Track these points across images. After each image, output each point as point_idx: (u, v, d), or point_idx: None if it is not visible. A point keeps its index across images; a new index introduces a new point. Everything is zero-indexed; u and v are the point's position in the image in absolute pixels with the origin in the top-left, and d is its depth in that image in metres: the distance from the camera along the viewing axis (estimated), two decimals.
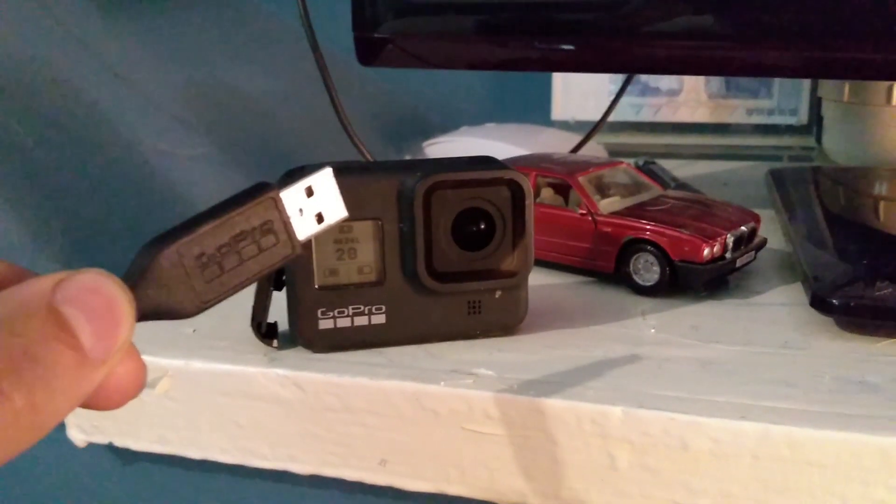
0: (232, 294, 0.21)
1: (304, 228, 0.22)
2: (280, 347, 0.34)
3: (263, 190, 0.21)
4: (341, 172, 0.32)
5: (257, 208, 0.21)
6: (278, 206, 0.21)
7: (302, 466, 0.33)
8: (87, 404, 0.19)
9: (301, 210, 0.22)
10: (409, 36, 0.47)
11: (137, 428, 0.35)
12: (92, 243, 0.43)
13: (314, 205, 0.22)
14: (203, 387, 0.33)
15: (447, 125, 0.73)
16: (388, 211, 0.32)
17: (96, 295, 0.18)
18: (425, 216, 0.32)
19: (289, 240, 0.22)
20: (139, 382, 0.20)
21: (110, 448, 0.36)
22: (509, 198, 0.33)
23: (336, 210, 0.23)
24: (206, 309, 0.21)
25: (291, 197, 0.22)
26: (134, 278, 0.20)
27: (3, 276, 0.19)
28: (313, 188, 0.22)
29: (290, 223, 0.22)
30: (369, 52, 0.47)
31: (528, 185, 0.33)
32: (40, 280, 0.17)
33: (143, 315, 0.19)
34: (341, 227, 0.32)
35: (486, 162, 0.35)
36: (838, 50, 0.38)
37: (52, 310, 0.17)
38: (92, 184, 0.46)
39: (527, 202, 0.33)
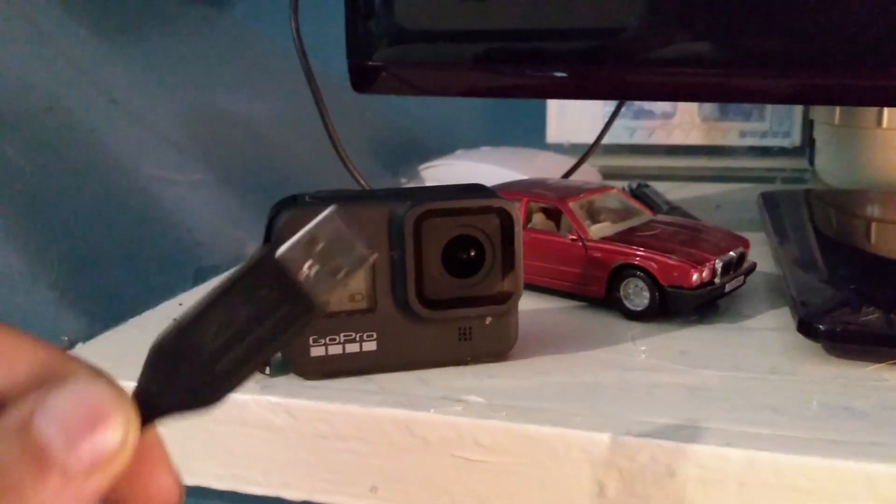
0: (251, 374, 0.19)
1: (323, 289, 0.19)
2: (272, 375, 0.34)
3: (264, 255, 0.19)
4: (333, 202, 0.33)
5: (265, 285, 0.19)
6: (286, 275, 0.19)
7: (294, 493, 0.33)
8: None
9: (311, 265, 0.19)
10: (403, 64, 0.48)
11: None
12: (89, 270, 0.44)
13: (327, 255, 0.19)
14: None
15: (443, 149, 0.74)
16: (379, 239, 0.33)
17: (75, 401, 0.17)
18: (416, 244, 0.33)
19: (306, 309, 0.19)
20: (174, 497, 0.19)
21: None
22: (499, 225, 0.34)
23: (355, 255, 0.20)
24: (229, 392, 0.19)
25: (298, 258, 0.19)
26: (142, 378, 0.19)
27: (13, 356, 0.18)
28: (318, 237, 0.19)
29: (303, 290, 0.19)
30: (363, 79, 0.48)
31: (517, 212, 0.34)
32: (26, 399, 0.17)
33: (160, 414, 0.18)
34: None
35: (476, 190, 0.35)
36: (828, 76, 0.39)
37: (23, 429, 0.16)
38: (89, 210, 0.47)
39: (516, 230, 0.34)
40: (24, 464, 0.16)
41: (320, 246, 0.19)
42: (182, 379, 0.19)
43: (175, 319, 0.19)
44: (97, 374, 0.18)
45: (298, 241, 0.19)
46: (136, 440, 0.18)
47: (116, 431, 0.17)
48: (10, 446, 0.16)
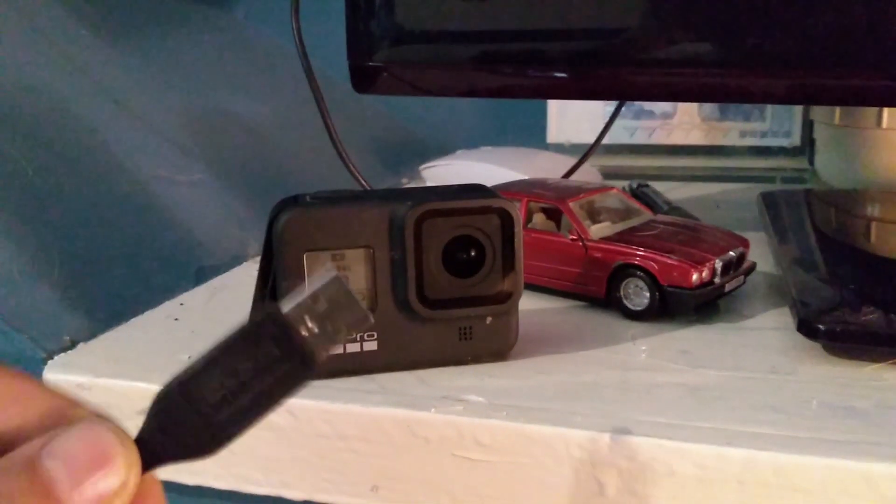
0: (251, 426, 0.20)
1: (323, 349, 0.20)
2: None
3: (267, 314, 0.20)
4: (334, 202, 0.33)
5: (267, 343, 0.20)
6: (288, 334, 0.20)
7: (295, 492, 0.33)
8: None
9: (316, 326, 0.20)
10: (404, 64, 0.48)
11: None
12: (91, 269, 0.44)
13: (329, 316, 0.20)
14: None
15: (443, 149, 0.74)
16: (379, 239, 0.33)
17: (82, 442, 0.18)
18: (416, 244, 0.33)
19: (305, 368, 0.20)
20: None
21: None
22: (499, 225, 0.34)
23: (356, 318, 0.20)
24: (227, 444, 0.20)
25: (301, 317, 0.20)
26: (145, 426, 0.19)
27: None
28: (319, 296, 0.20)
29: (304, 349, 0.20)
30: (364, 79, 0.48)
31: (517, 213, 0.34)
32: (35, 440, 0.18)
33: (159, 461, 0.19)
34: (333, 255, 0.33)
35: (477, 190, 0.35)
36: (828, 77, 0.39)
37: (30, 464, 0.17)
38: (91, 210, 0.47)
39: (516, 230, 0.34)
40: (31, 495, 0.17)
41: (322, 307, 0.20)
42: (182, 429, 0.20)
43: (178, 373, 0.20)
44: (103, 419, 0.19)
45: (303, 301, 0.20)
46: (136, 483, 0.18)
47: (119, 473, 0.18)
48: (18, 479, 0.17)
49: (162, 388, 0.20)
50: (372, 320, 0.21)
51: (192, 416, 0.20)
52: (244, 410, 0.20)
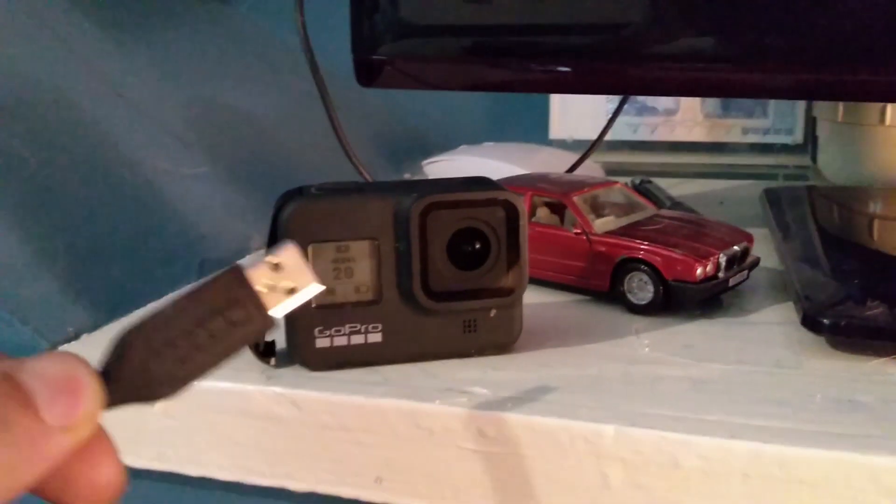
0: (207, 372, 0.21)
1: (276, 303, 0.22)
2: (278, 366, 0.34)
3: (230, 270, 0.22)
4: (339, 193, 0.33)
5: (223, 286, 0.21)
6: (244, 282, 0.22)
7: (298, 484, 0.34)
8: (55, 496, 0.19)
9: (271, 286, 0.22)
10: (408, 58, 0.48)
11: (137, 445, 0.35)
12: (94, 261, 0.44)
13: (284, 279, 0.22)
14: (201, 405, 0.34)
15: (446, 144, 0.74)
16: (384, 231, 0.33)
17: (55, 365, 0.18)
18: (421, 236, 0.33)
19: (259, 314, 0.22)
20: (117, 488, 0.20)
21: None
22: (504, 218, 0.34)
23: (307, 283, 0.23)
24: (182, 389, 0.21)
25: (259, 274, 0.22)
26: (106, 365, 0.20)
27: None
28: (280, 264, 0.22)
29: (258, 298, 0.22)
30: (368, 73, 0.48)
31: (522, 205, 0.34)
32: (6, 361, 0.18)
33: (118, 400, 0.20)
34: (338, 246, 0.33)
35: (482, 183, 0.35)
36: (832, 72, 0.39)
37: (7, 377, 0.18)
38: (94, 203, 0.47)
39: (521, 222, 0.34)
40: (10, 400, 0.17)
41: (280, 272, 0.22)
42: (141, 371, 0.20)
43: (139, 317, 0.21)
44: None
45: (261, 263, 0.22)
46: (99, 415, 0.19)
47: (88, 400, 0.18)
48: None
49: (123, 329, 0.20)
50: (320, 287, 0.23)
51: (152, 360, 0.20)
52: (201, 357, 0.21)
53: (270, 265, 0.22)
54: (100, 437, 0.20)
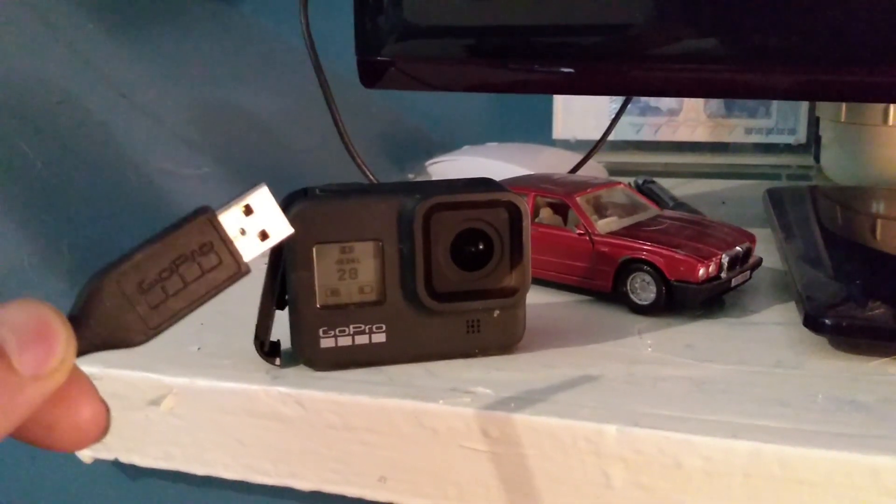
0: (180, 318, 0.21)
1: (248, 248, 0.22)
2: (282, 366, 0.34)
3: (200, 212, 0.21)
4: (343, 195, 0.34)
5: (194, 230, 0.21)
6: (216, 226, 0.21)
7: (303, 483, 0.34)
8: (42, 441, 0.19)
9: (243, 230, 0.22)
10: (411, 59, 0.48)
11: (143, 444, 0.36)
12: (99, 262, 0.44)
13: (256, 224, 0.22)
14: (207, 404, 0.34)
15: (450, 144, 0.74)
16: (388, 232, 0.33)
17: (25, 313, 0.18)
18: (425, 237, 0.33)
19: (233, 260, 0.21)
20: (101, 425, 0.20)
21: (116, 464, 0.37)
22: (507, 219, 0.34)
23: (279, 227, 0.22)
24: (155, 335, 0.21)
25: (230, 217, 0.22)
26: (76, 310, 0.20)
27: None
28: (252, 206, 0.22)
29: (231, 243, 0.21)
30: (372, 74, 0.48)
31: (525, 206, 0.34)
32: None
33: (90, 346, 0.20)
34: (342, 247, 0.33)
35: (485, 184, 0.35)
36: (835, 73, 0.39)
37: None
38: (99, 203, 0.47)
39: (524, 223, 0.34)
40: None
41: (253, 216, 0.22)
42: (113, 318, 0.20)
43: (111, 261, 0.21)
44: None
45: (234, 208, 0.22)
46: (72, 361, 0.19)
47: (60, 347, 0.18)
48: None
49: (94, 274, 0.20)
50: (291, 231, 0.22)
51: (123, 306, 0.20)
52: (174, 303, 0.21)
53: (242, 208, 0.22)
54: (77, 379, 0.20)
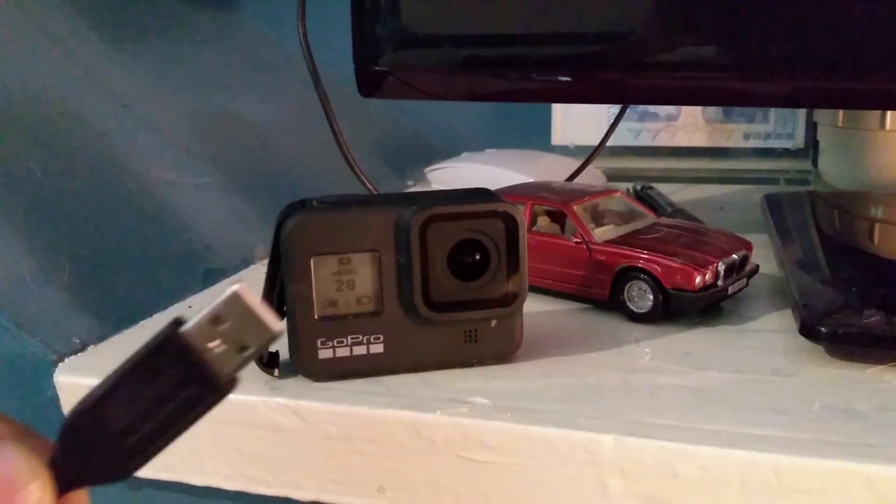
0: (163, 448, 0.20)
1: (228, 364, 0.20)
2: (281, 376, 0.35)
3: (169, 335, 0.19)
4: (341, 206, 0.34)
5: (170, 358, 0.19)
6: (188, 350, 0.19)
7: (302, 493, 0.34)
8: None
9: (220, 340, 0.19)
10: (409, 68, 0.48)
11: None
12: (100, 273, 0.44)
13: (233, 332, 0.19)
14: (206, 415, 0.34)
15: (449, 151, 0.74)
16: (385, 243, 0.33)
17: None
18: (422, 248, 0.33)
19: (210, 386, 0.20)
20: None
21: None
22: (504, 229, 0.34)
23: (259, 330, 0.19)
24: (138, 469, 0.20)
25: (200, 332, 0.19)
26: (57, 451, 0.20)
27: None
28: (222, 317, 0.19)
29: (207, 366, 0.19)
30: (370, 84, 0.49)
31: (521, 217, 0.34)
32: None
33: (73, 482, 0.19)
34: (340, 259, 0.33)
35: (482, 194, 0.36)
36: (832, 80, 0.39)
37: None
38: (100, 214, 0.47)
39: (520, 233, 0.34)
40: None
41: (226, 325, 0.19)
42: (94, 454, 0.20)
43: (86, 395, 0.20)
44: (21, 440, 0.19)
45: (201, 321, 0.19)
46: None
47: (30, 501, 0.18)
48: None
49: (72, 410, 0.20)
50: (280, 330, 0.20)
51: (102, 441, 0.19)
52: (154, 434, 0.20)
53: (212, 321, 0.19)
54: None
